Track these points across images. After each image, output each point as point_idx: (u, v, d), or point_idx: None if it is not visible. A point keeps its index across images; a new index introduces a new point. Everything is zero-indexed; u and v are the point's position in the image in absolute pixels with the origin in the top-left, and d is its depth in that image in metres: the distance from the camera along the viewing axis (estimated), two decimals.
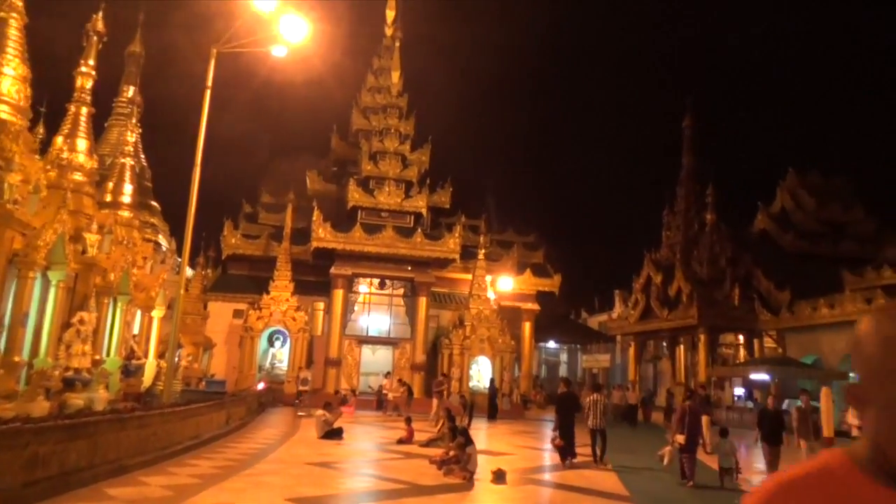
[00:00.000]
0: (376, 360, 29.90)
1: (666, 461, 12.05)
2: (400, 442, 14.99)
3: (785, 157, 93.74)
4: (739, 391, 32.29)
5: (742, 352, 37.77)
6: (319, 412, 15.82)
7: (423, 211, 31.13)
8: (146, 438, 9.97)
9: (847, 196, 40.56)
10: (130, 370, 16.10)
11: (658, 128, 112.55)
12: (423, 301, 30.03)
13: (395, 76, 34.35)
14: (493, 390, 25.17)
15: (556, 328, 46.22)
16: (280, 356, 28.42)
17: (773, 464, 11.44)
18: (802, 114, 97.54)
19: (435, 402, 20.65)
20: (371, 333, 31.00)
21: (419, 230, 29.73)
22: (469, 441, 10.85)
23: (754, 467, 15.19)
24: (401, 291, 31.43)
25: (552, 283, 35.62)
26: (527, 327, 35.34)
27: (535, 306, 35.60)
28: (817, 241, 37.42)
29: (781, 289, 32.24)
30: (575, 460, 12.66)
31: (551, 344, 53.08)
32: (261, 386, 24.19)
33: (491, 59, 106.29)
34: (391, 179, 30.84)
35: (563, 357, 59.41)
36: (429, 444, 14.60)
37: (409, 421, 15.80)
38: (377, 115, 33.84)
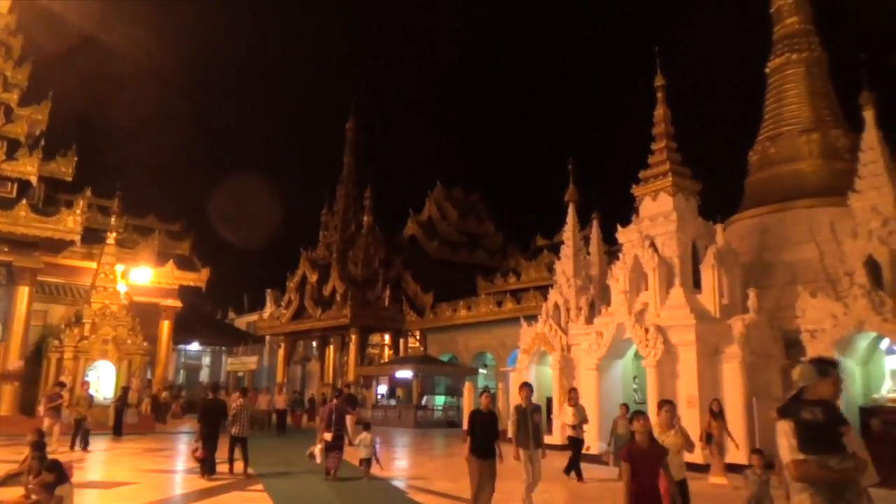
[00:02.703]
0: None
1: (318, 459, 12.05)
2: None
3: (436, 169, 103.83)
4: (383, 389, 33.13)
5: (388, 351, 39.24)
6: None
7: (33, 179, 24.51)
8: None
9: (481, 211, 45.69)
10: None
11: (325, 126, 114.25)
12: (24, 291, 23.57)
13: (5, 5, 26.84)
14: (123, 402, 21.04)
15: (200, 328, 42.13)
16: None
17: (482, 486, 7.88)
18: (455, 131, 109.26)
19: (47, 421, 15.93)
20: None
21: (24, 202, 23.34)
22: (62, 477, 7.67)
23: (393, 462, 15.30)
24: None
25: (199, 278, 31.80)
26: (165, 326, 30.88)
27: (178, 303, 31.37)
28: (458, 250, 41.16)
29: (427, 291, 34.29)
30: (214, 475, 11.54)
31: (194, 346, 48.46)
32: None
33: (154, 33, 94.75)
34: None
35: (206, 360, 54.94)
36: (6, 481, 10.55)
37: None
38: None
